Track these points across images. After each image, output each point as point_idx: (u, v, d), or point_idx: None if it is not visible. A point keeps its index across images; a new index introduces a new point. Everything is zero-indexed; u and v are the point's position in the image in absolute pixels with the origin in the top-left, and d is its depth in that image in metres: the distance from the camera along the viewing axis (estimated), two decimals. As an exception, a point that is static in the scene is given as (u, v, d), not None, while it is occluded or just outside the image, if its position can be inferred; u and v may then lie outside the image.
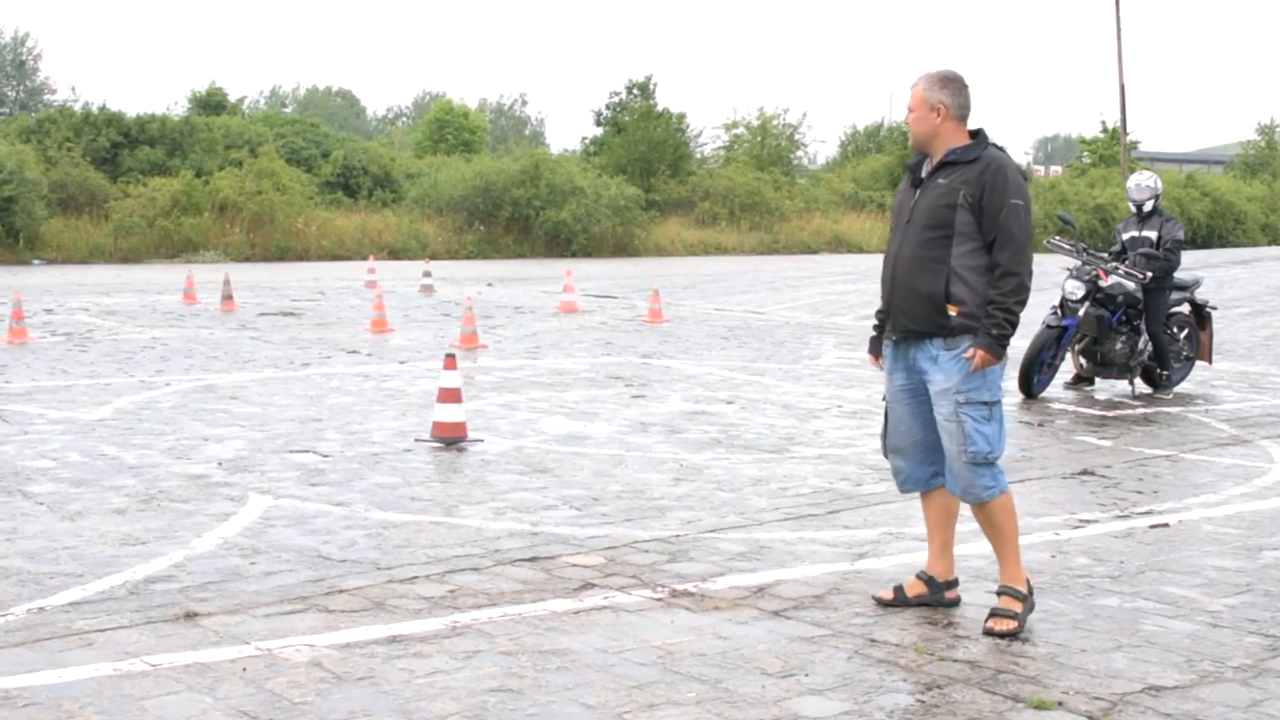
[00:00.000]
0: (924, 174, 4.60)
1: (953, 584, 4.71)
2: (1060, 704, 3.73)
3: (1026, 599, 4.47)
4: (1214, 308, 10.99)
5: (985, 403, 4.43)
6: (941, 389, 4.45)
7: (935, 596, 4.66)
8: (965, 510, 4.66)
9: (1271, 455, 7.80)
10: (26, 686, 3.73)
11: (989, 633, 4.37)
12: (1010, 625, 4.38)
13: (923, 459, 4.64)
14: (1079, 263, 9.89)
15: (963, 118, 4.54)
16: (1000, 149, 4.55)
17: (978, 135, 4.55)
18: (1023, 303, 4.40)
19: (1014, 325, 4.41)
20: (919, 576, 4.72)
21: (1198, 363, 10.63)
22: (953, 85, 4.53)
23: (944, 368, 4.45)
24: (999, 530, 4.53)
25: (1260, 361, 12.70)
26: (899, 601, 4.65)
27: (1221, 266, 24.11)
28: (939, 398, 4.47)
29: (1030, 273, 4.44)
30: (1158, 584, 5.04)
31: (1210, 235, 40.52)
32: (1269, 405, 9.87)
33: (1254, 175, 49.60)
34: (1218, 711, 3.71)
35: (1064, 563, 5.32)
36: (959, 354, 4.43)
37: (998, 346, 4.39)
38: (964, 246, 4.42)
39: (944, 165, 4.51)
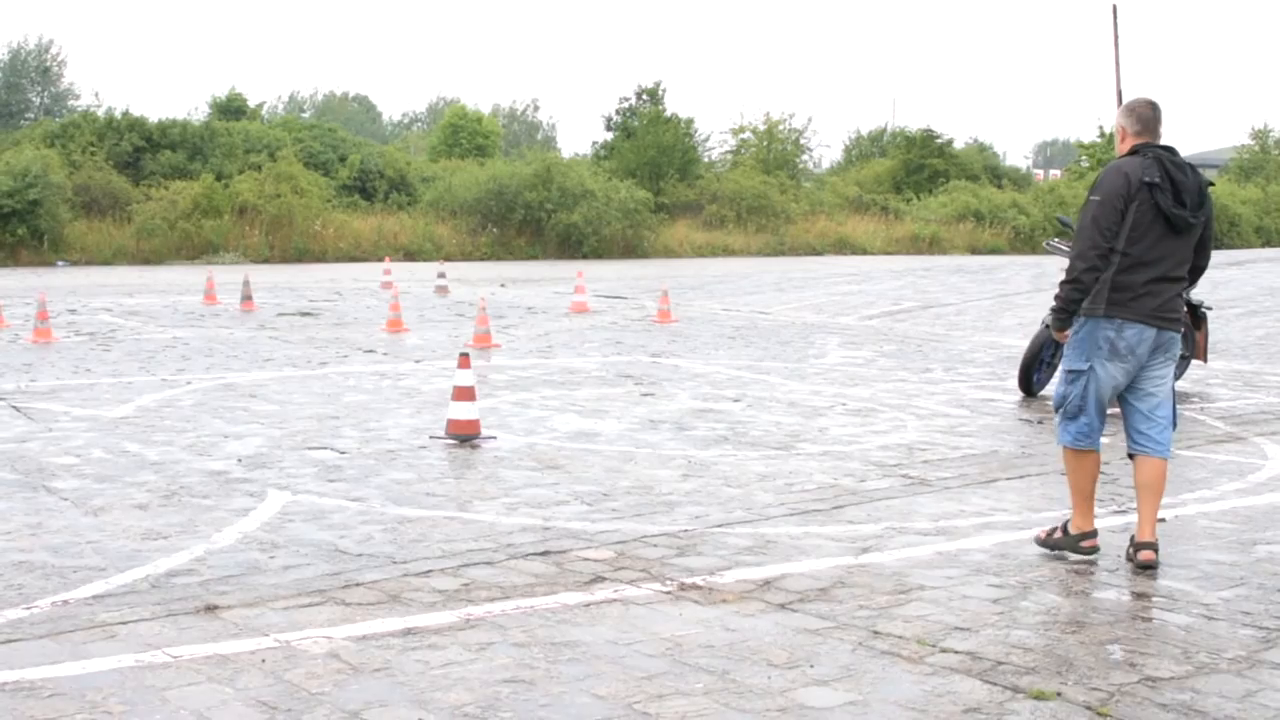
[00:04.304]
0: None
1: (1144, 545, 5.20)
2: (1059, 695, 3.79)
3: (1071, 538, 5.31)
4: (1209, 308, 11.05)
5: (1069, 370, 5.32)
6: None
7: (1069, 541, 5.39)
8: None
9: (1265, 452, 7.85)
10: (51, 677, 3.80)
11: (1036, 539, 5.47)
12: (1041, 534, 5.46)
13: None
14: None
15: (1139, 134, 5.23)
16: (1161, 153, 5.14)
17: (1132, 149, 5.22)
18: (1071, 283, 5.15)
19: (1061, 302, 5.22)
20: (1128, 555, 5.30)
21: (1193, 361, 10.68)
22: (1127, 108, 5.31)
23: None
24: (1067, 476, 5.45)
25: (1254, 360, 12.72)
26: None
27: (1216, 268, 23.95)
28: None
29: (1083, 255, 5.09)
30: (1154, 577, 5.10)
31: None
32: (1263, 403, 9.93)
33: (1248, 179, 49.32)
34: (1213, 702, 3.77)
35: (1063, 557, 5.37)
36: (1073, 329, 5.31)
37: (1054, 320, 5.33)
38: None
39: None
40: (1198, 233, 5.24)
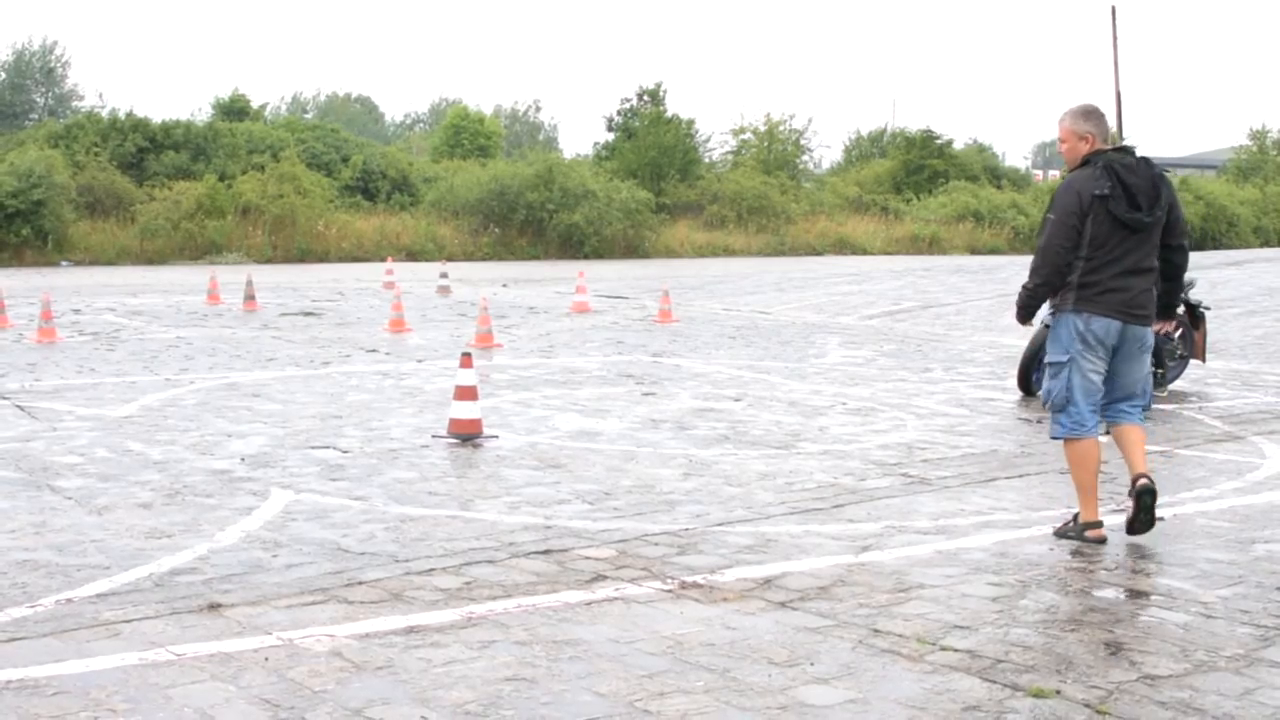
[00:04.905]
0: None
1: (1140, 476, 5.59)
2: (1058, 693, 3.81)
3: (1077, 525, 5.57)
4: (1208, 308, 11.11)
5: (1051, 363, 5.62)
6: None
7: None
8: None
9: (1263, 451, 7.86)
10: (55, 675, 3.83)
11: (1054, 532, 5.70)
12: (1059, 527, 5.70)
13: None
14: None
15: (1105, 140, 5.49)
16: (1108, 162, 5.38)
17: (1083, 160, 5.48)
18: (1029, 291, 5.61)
19: (1020, 303, 5.70)
20: (1129, 493, 5.66)
21: (1192, 361, 10.73)
22: (1094, 116, 5.51)
23: None
24: (1071, 470, 5.65)
25: (1252, 360, 12.75)
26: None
27: (1215, 268, 24.04)
28: None
29: (1038, 270, 5.51)
30: (1153, 576, 5.13)
31: (1204, 238, 40.40)
32: (1261, 402, 9.94)
33: (1246, 179, 49.44)
34: (1211, 700, 3.79)
35: (1062, 555, 5.41)
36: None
37: (1018, 313, 5.80)
38: None
39: None
40: (1161, 223, 5.53)
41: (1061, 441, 5.67)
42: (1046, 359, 5.69)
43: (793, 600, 4.69)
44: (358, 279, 22.37)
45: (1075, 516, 5.68)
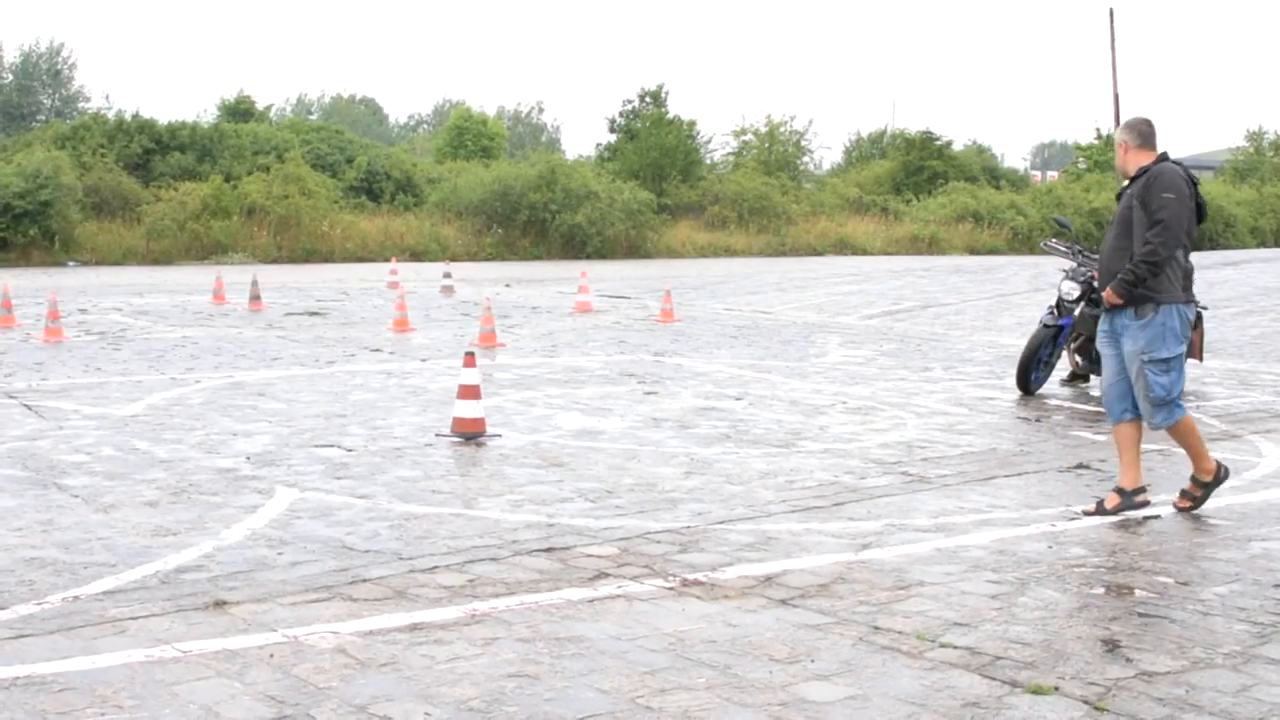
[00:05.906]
0: (1122, 190, 6.12)
1: (1140, 490, 6.05)
2: (1056, 689, 3.83)
3: (1208, 485, 6.01)
4: (1205, 308, 11.09)
5: (1164, 359, 5.86)
6: (1129, 351, 5.94)
7: (1127, 502, 6.02)
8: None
9: (1260, 450, 7.89)
10: (62, 672, 3.86)
11: (1175, 508, 6.04)
12: (1187, 504, 6.04)
13: (1117, 398, 6.08)
14: (1074, 264, 10.09)
15: (1143, 146, 6.03)
16: (1176, 163, 5.96)
17: (1160, 157, 5.98)
18: (1150, 264, 5.78)
19: (1138, 277, 5.78)
20: (1114, 490, 6.08)
21: (1189, 361, 10.74)
22: (1131, 125, 6.10)
23: (1132, 335, 5.91)
24: (1182, 441, 6.06)
25: (1249, 359, 12.77)
26: (1100, 512, 5.97)
27: (1212, 268, 24.03)
28: (1129, 357, 5.95)
29: (1167, 244, 5.76)
30: (1150, 573, 5.15)
31: (1201, 238, 40.26)
32: (1258, 401, 9.97)
33: (1243, 180, 49.37)
34: (1208, 697, 3.81)
35: (1060, 553, 5.44)
36: (1144, 322, 5.86)
37: (1121, 288, 5.83)
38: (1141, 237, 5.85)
39: (1132, 181, 6.03)
40: None
41: (1173, 425, 5.97)
42: (1159, 355, 5.83)
43: (793, 597, 4.71)
44: (362, 279, 22.39)
45: (1206, 485, 5.99)
